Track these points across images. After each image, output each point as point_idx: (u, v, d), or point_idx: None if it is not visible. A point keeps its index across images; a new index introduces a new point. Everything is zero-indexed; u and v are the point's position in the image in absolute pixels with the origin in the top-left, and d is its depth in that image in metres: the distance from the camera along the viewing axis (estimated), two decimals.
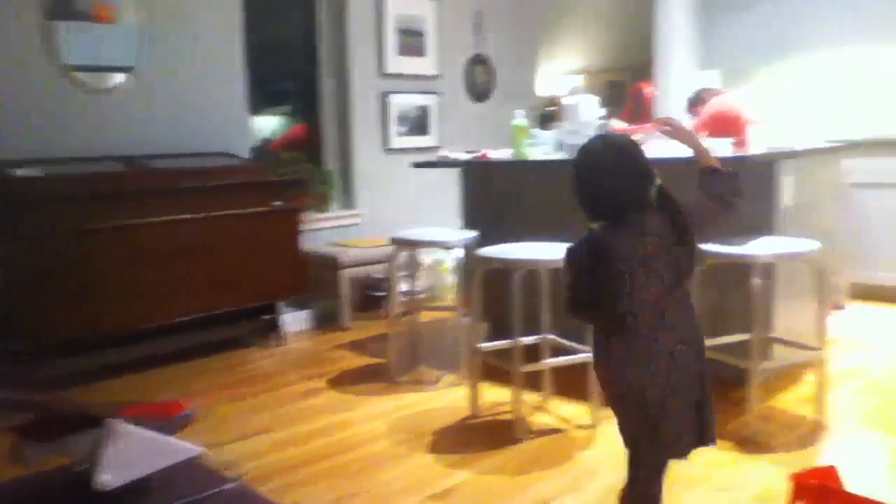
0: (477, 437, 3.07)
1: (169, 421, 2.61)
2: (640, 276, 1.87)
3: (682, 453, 1.99)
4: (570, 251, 2.01)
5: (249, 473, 2.76)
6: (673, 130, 2.25)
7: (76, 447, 2.43)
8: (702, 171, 2.08)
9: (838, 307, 4.58)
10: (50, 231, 3.64)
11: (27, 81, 3.97)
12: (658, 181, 1.93)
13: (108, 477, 2.33)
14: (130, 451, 2.37)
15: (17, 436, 2.50)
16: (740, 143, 4.07)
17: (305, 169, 5.21)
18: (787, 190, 3.48)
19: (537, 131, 4.38)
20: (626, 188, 1.92)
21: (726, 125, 4.68)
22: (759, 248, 2.98)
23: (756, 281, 2.88)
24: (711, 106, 5.16)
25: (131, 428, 2.38)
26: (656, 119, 2.06)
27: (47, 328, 3.64)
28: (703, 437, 1.98)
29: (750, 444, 2.86)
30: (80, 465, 2.54)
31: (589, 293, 1.94)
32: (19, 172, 3.67)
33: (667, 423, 1.91)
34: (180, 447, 2.57)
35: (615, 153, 1.95)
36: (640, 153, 1.98)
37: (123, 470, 2.37)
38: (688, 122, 5.17)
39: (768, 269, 3.21)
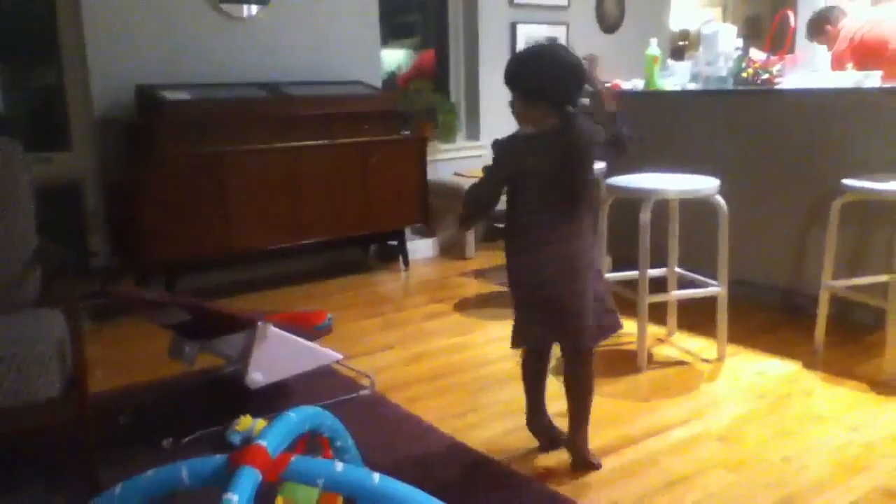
0: (599, 364, 3.06)
1: (310, 329, 2.80)
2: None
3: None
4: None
5: (379, 384, 2.90)
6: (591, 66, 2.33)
7: (228, 347, 2.65)
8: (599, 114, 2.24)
9: None
10: (193, 151, 3.87)
11: (175, 10, 4.17)
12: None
13: (259, 375, 2.54)
14: (277, 354, 2.57)
15: (177, 334, 2.75)
16: (890, 75, 3.77)
17: (432, 99, 5.27)
18: None
19: (671, 62, 4.25)
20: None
21: (875, 52, 4.31)
22: None
23: None
24: (858, 28, 4.54)
25: (278, 332, 2.57)
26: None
27: (185, 245, 3.88)
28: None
29: (884, 386, 2.77)
30: (232, 365, 2.78)
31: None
32: (168, 95, 3.90)
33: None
34: (322, 353, 2.76)
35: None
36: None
37: (271, 370, 2.58)
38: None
39: None
